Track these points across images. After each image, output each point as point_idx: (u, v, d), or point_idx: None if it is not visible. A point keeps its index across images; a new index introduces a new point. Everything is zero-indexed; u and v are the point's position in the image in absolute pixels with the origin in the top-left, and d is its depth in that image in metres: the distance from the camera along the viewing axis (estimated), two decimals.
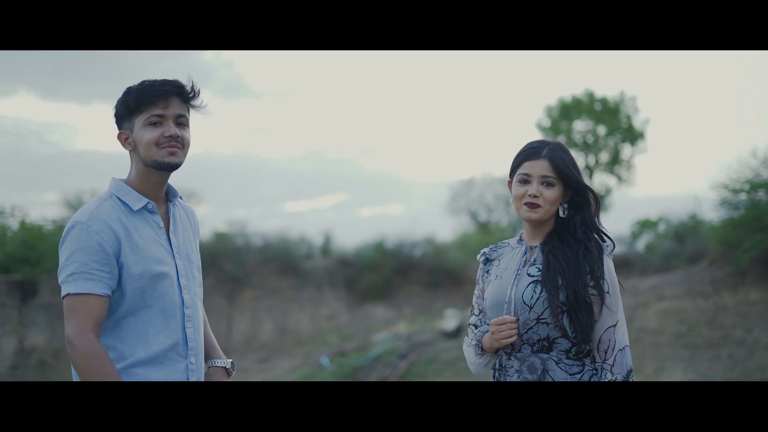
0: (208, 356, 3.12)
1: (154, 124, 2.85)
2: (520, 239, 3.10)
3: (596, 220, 3.02)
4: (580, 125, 26.72)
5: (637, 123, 26.48)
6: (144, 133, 2.85)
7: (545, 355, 2.85)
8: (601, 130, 26.46)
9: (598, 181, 26.58)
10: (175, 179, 3.03)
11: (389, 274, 24.59)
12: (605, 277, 2.87)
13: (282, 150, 46.24)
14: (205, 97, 2.93)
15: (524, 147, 3.03)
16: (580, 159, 26.45)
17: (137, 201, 2.87)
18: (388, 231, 31.11)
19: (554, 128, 26.69)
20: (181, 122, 2.90)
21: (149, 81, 2.87)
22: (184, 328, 2.89)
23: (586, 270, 2.86)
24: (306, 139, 46.55)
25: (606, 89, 38.39)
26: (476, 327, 3.14)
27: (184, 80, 2.92)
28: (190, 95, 2.94)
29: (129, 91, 2.88)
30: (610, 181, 26.63)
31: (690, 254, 17.98)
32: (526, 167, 2.96)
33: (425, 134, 47.93)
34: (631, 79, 43.44)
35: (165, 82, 2.88)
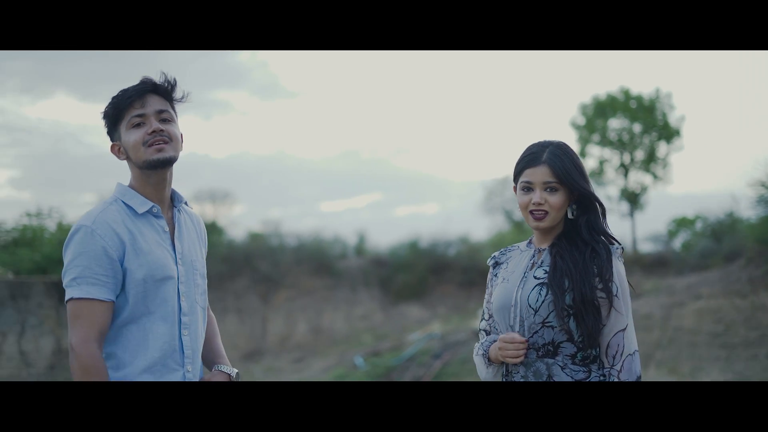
0: (215, 363, 3.05)
1: (136, 125, 2.82)
2: (530, 242, 3.04)
3: (603, 222, 2.92)
4: (615, 123, 26.46)
5: (672, 120, 26.18)
6: (129, 136, 2.82)
7: (550, 360, 2.78)
8: (637, 127, 26.21)
9: (634, 179, 26.34)
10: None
11: (423, 273, 24.59)
12: (614, 279, 2.78)
13: (317, 150, 46.39)
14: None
15: (524, 152, 2.94)
16: (615, 157, 26.25)
17: (142, 204, 2.84)
18: (422, 230, 31.13)
19: (589, 126, 26.47)
20: (164, 117, 2.86)
21: (125, 87, 2.85)
22: (180, 336, 2.84)
23: (594, 272, 2.78)
24: (341, 139, 46.69)
25: (641, 86, 38.06)
26: (487, 333, 3.07)
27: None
28: (167, 89, 2.90)
29: (108, 103, 2.87)
30: (646, 179, 26.38)
31: (727, 252, 17.78)
32: (528, 175, 2.88)
33: (459, 133, 47.86)
34: (666, 75, 43.05)
35: (138, 83, 2.85)
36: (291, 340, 21.69)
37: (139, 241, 2.78)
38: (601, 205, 2.92)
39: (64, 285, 2.73)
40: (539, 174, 2.86)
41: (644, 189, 26.43)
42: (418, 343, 17.00)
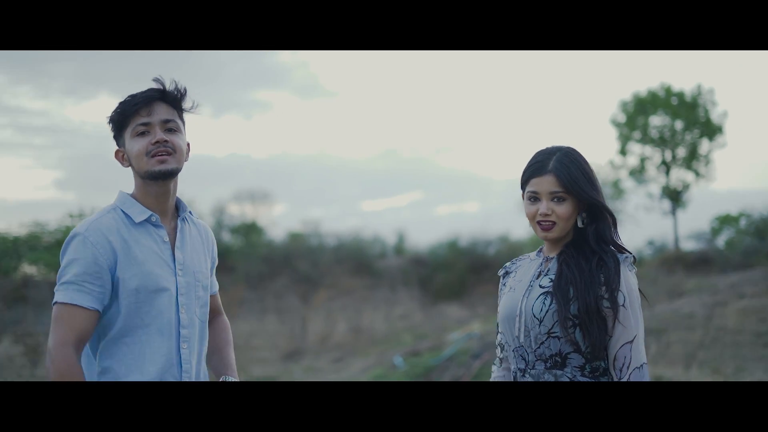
0: (223, 374, 2.98)
1: (141, 134, 2.75)
2: (540, 251, 2.95)
3: (612, 232, 2.79)
4: (656, 120, 26.14)
5: (714, 117, 25.78)
6: (133, 145, 2.76)
7: (559, 372, 2.68)
8: (678, 124, 25.87)
9: (676, 176, 26.02)
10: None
11: (463, 272, 24.52)
12: (621, 288, 2.65)
13: (357, 149, 46.39)
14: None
15: (530, 161, 2.82)
16: (656, 155, 25.96)
17: (140, 213, 2.77)
18: (463, 229, 31.02)
19: (630, 124, 26.18)
20: (170, 128, 2.78)
21: (133, 93, 2.79)
22: (179, 349, 2.77)
23: (601, 281, 2.66)
24: (381, 138, 46.65)
25: (682, 83, 37.59)
26: (501, 347, 2.97)
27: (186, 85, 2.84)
28: (177, 97, 2.83)
29: (115, 107, 2.80)
30: (688, 176, 26.03)
31: None
32: (533, 184, 2.76)
33: (500, 131, 47.58)
34: (708, 71, 42.50)
35: (147, 90, 2.78)
36: (330, 339, 21.75)
37: (134, 250, 2.71)
38: (611, 214, 2.81)
39: (54, 290, 2.68)
40: (545, 184, 2.74)
41: (686, 186, 26.11)
42: (458, 342, 16.95)
